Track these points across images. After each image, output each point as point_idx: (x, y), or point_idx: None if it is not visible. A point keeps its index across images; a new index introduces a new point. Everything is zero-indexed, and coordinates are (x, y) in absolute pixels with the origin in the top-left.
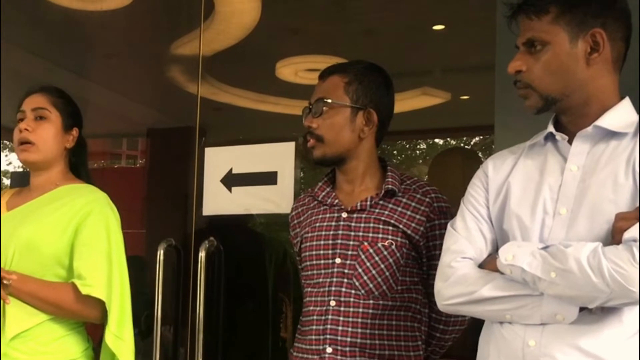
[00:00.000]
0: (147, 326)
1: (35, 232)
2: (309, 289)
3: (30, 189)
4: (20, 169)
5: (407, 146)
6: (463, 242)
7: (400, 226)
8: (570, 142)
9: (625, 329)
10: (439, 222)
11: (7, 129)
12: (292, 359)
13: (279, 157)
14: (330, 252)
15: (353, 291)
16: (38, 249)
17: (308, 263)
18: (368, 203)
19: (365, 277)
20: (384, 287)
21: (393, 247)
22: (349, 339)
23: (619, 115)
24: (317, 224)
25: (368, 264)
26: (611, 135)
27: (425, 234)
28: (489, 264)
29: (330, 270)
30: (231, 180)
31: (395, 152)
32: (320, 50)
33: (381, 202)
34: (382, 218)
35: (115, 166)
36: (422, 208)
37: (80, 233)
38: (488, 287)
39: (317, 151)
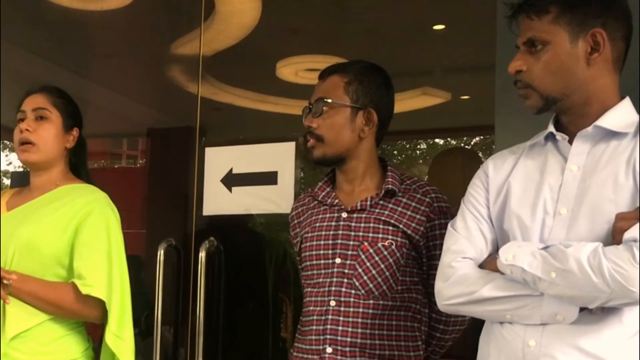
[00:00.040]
0: (147, 326)
1: (35, 232)
2: (309, 289)
3: (31, 189)
4: (21, 169)
5: (408, 146)
6: (463, 242)
7: (400, 226)
8: (570, 142)
9: (626, 329)
10: (439, 222)
11: (7, 128)
12: (292, 359)
13: (279, 157)
14: (330, 252)
15: (353, 291)
16: (38, 248)
17: (308, 263)
18: (368, 203)
19: (365, 277)
20: (384, 287)
21: (393, 247)
22: (349, 339)
23: (620, 115)
24: (317, 224)
25: (368, 264)
26: (611, 135)
27: (426, 234)
28: (489, 264)
29: (330, 270)
30: (231, 180)
31: (395, 152)
32: (320, 50)
33: (381, 202)
34: (382, 218)
35: (116, 166)
36: (422, 208)
37: (81, 233)
38: (488, 287)
39: (317, 151)
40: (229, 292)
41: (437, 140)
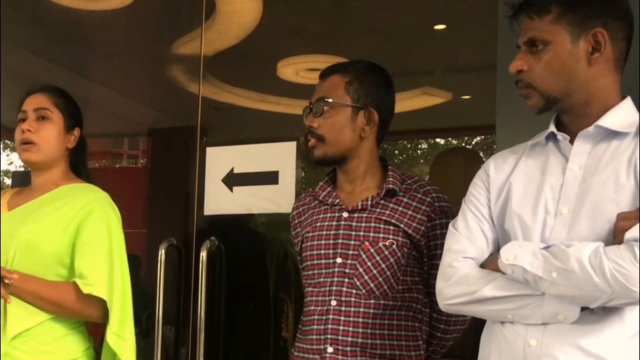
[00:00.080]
0: (148, 326)
1: (36, 232)
2: (310, 289)
3: (31, 188)
4: (22, 169)
5: (409, 146)
6: (464, 241)
7: (401, 226)
8: (571, 141)
9: (627, 328)
10: (440, 221)
11: (7, 128)
12: (293, 359)
13: (280, 156)
14: (331, 251)
15: (354, 291)
16: (39, 248)
17: (309, 263)
18: (369, 203)
19: (366, 277)
20: (385, 287)
21: (394, 246)
22: (350, 339)
23: (621, 115)
24: (318, 224)
25: (369, 263)
26: (613, 135)
27: (426, 234)
28: (490, 263)
29: (331, 270)
30: (232, 179)
31: (396, 151)
32: (321, 50)
33: (382, 201)
34: (383, 218)
35: (117, 166)
36: (423, 208)
37: (82, 232)
38: (489, 287)
39: (318, 151)
40: (230, 292)
41: (438, 140)
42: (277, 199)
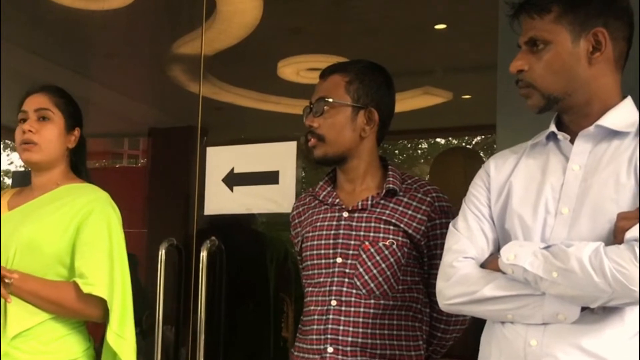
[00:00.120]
0: (149, 326)
1: (36, 232)
2: (310, 289)
3: (32, 188)
4: (22, 169)
5: (409, 146)
6: (465, 241)
7: (402, 226)
8: (572, 141)
9: (627, 328)
10: (440, 221)
11: (7, 128)
12: (293, 359)
13: (280, 156)
14: (331, 251)
15: (354, 291)
16: (39, 248)
17: (309, 262)
18: (369, 202)
19: (366, 277)
20: (385, 287)
21: (394, 246)
22: (350, 339)
23: (621, 115)
24: (318, 224)
25: (369, 263)
26: (613, 134)
27: (427, 234)
28: (490, 263)
29: (331, 270)
30: (233, 179)
31: (396, 151)
32: (321, 50)
33: (382, 201)
34: (383, 217)
35: (117, 166)
36: (423, 207)
37: (82, 232)
38: (490, 286)
39: (318, 150)
40: (230, 292)
41: (438, 139)
42: (278, 199)
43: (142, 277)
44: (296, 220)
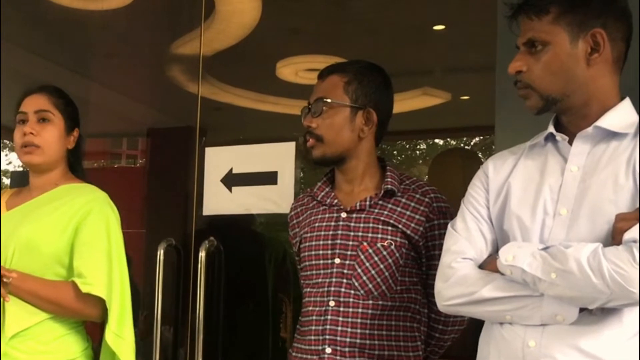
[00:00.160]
0: (147, 326)
1: (35, 232)
2: (308, 289)
3: (30, 188)
4: (20, 169)
5: (407, 146)
6: (463, 242)
7: (400, 226)
8: (570, 142)
9: (626, 329)
10: (438, 222)
11: (7, 128)
12: (291, 359)
13: (279, 157)
14: (329, 252)
15: (352, 291)
16: (38, 248)
17: (307, 263)
18: (367, 203)
19: (364, 277)
20: (383, 288)
21: (392, 247)
22: (348, 339)
23: (620, 116)
24: (317, 224)
25: (367, 264)
26: (612, 135)
27: (425, 234)
28: (489, 264)
29: (329, 271)
30: (231, 180)
31: (395, 152)
32: (320, 50)
33: (380, 202)
34: (382, 218)
35: (116, 166)
36: (422, 208)
37: (81, 232)
38: (488, 287)
39: (317, 151)
40: (229, 292)
41: (437, 140)
42: (276, 199)
43: (141, 277)
44: (294, 221)
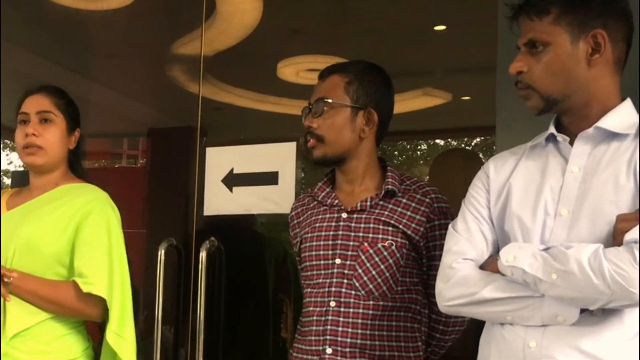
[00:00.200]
0: (148, 326)
1: (35, 231)
2: (309, 290)
3: (30, 188)
4: (21, 169)
5: (408, 147)
6: (464, 243)
7: (400, 227)
8: (571, 143)
9: (626, 330)
10: (439, 222)
11: (7, 128)
12: (291, 359)
13: (280, 157)
14: (330, 252)
15: (353, 292)
16: (38, 248)
17: (308, 263)
18: (368, 203)
19: (365, 278)
20: (384, 288)
21: (393, 247)
22: (348, 340)
23: (620, 117)
24: (317, 224)
25: (368, 264)
26: (612, 136)
27: (425, 235)
28: (490, 265)
29: (330, 271)
30: (232, 180)
31: (396, 152)
32: (321, 51)
33: (381, 202)
34: (382, 218)
35: (116, 166)
36: (422, 208)
37: (81, 232)
38: (489, 288)
39: (318, 151)
40: (230, 292)
41: (437, 141)
42: (277, 200)
43: (142, 277)
44: (295, 221)
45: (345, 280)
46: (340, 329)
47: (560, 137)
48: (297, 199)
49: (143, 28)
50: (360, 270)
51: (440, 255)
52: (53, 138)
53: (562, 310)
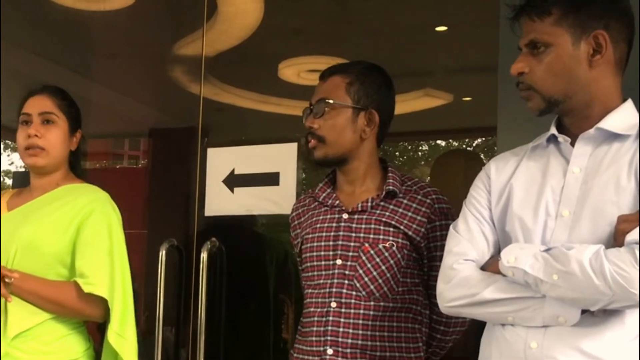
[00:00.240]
0: (149, 327)
1: (36, 232)
2: (310, 290)
3: (31, 189)
4: (22, 169)
5: (409, 147)
6: (465, 244)
7: (401, 227)
8: (572, 144)
9: (627, 331)
10: (440, 223)
11: (7, 128)
12: None
13: (281, 157)
14: (331, 253)
15: (354, 292)
16: (39, 248)
17: (309, 264)
18: (369, 204)
19: (366, 279)
20: (385, 289)
21: (394, 248)
22: (349, 341)
23: (622, 117)
24: (318, 225)
25: (369, 265)
26: (614, 137)
27: (426, 235)
28: (491, 266)
29: (331, 272)
30: (233, 180)
31: (397, 153)
32: (322, 51)
33: (382, 203)
34: (383, 219)
35: (118, 166)
36: (423, 209)
37: (82, 232)
38: (490, 289)
39: (319, 152)
40: (231, 293)
41: (439, 141)
42: (278, 200)
43: (143, 278)
44: (296, 222)
45: (346, 281)
46: (341, 329)
47: (561, 137)
48: (298, 199)
49: (144, 28)
50: (361, 271)
51: (441, 256)
52: (55, 139)
53: (563, 311)
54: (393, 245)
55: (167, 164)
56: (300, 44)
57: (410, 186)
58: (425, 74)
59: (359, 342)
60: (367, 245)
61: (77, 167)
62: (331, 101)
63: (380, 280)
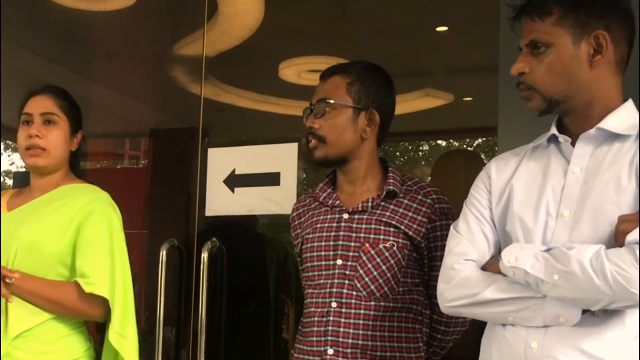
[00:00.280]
0: (149, 327)
1: (36, 232)
2: (310, 290)
3: (31, 189)
4: (23, 169)
5: (410, 147)
6: (466, 244)
7: (402, 227)
8: (573, 144)
9: (628, 331)
10: (440, 223)
11: (7, 128)
12: None
13: (281, 158)
14: (331, 253)
15: (354, 292)
16: (40, 248)
17: (309, 264)
18: (369, 204)
19: (366, 279)
20: (386, 289)
21: (394, 248)
22: (350, 341)
23: (622, 117)
24: (318, 225)
25: (370, 265)
26: (614, 137)
27: (427, 235)
28: (491, 266)
29: (331, 272)
30: (234, 181)
31: (397, 153)
32: (323, 51)
33: (382, 203)
34: (384, 219)
35: (118, 166)
36: (424, 209)
37: (83, 232)
38: (491, 289)
39: (319, 152)
40: (231, 293)
41: (439, 141)
42: (279, 200)
43: (143, 278)
44: (296, 222)
45: (346, 281)
46: (341, 329)
47: (562, 138)
48: (299, 199)
49: (145, 29)
50: (361, 271)
51: (442, 256)
52: (56, 140)
53: (563, 311)
54: (394, 245)
55: (168, 164)
56: (301, 44)
57: (410, 186)
58: (425, 74)
59: (360, 342)
60: (367, 245)
61: (77, 167)
62: (332, 101)
63: (380, 280)
